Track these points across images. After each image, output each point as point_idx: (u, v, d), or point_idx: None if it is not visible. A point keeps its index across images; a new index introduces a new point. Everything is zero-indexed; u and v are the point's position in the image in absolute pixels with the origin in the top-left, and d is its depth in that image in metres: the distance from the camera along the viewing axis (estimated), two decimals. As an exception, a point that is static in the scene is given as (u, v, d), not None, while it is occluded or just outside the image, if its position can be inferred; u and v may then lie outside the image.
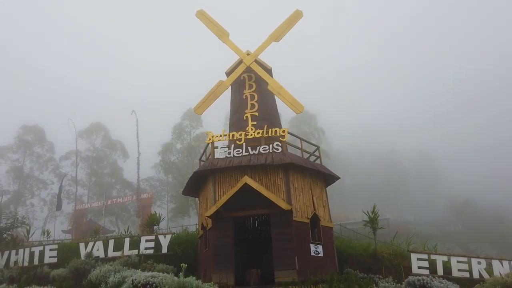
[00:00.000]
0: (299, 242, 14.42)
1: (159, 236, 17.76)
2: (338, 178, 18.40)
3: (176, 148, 52.55)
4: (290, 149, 17.34)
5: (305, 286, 12.52)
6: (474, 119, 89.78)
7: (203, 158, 19.59)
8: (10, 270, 16.16)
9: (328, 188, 18.44)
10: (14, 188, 52.75)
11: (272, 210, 14.74)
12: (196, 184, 18.21)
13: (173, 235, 18.33)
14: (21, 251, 17.59)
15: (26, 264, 17.04)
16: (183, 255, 17.58)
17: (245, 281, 14.43)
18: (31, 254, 17.41)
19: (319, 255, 14.98)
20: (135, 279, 8.43)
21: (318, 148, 19.48)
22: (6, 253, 17.65)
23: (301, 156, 17.71)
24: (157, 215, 22.01)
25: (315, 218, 15.81)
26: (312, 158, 18.82)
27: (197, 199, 29.21)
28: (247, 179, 14.92)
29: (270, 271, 14.18)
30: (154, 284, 8.05)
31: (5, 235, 18.73)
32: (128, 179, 55.86)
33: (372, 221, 18.07)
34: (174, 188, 50.60)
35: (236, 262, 14.47)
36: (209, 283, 8.73)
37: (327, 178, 18.12)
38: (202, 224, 17.06)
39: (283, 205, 14.51)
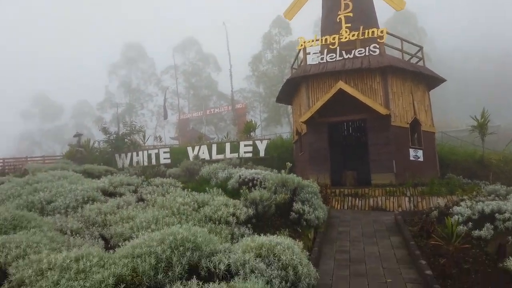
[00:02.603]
0: (397, 147, 14.12)
1: (256, 141, 18.83)
2: (443, 80, 16.88)
3: (266, 58, 52.38)
4: (389, 51, 16.12)
5: (403, 188, 12.54)
6: None
7: (295, 65, 19.34)
8: (134, 168, 18.92)
9: (430, 94, 17.10)
10: (126, 101, 59.36)
11: (368, 115, 14.40)
12: (289, 92, 18.34)
13: (269, 140, 19.26)
14: (140, 153, 20.34)
15: (145, 164, 19.75)
16: (279, 159, 18.50)
17: (340, 182, 14.94)
18: (149, 156, 20.05)
19: (419, 159, 14.59)
20: (242, 174, 9.31)
21: (421, 48, 17.73)
22: (129, 155, 20.58)
23: (401, 58, 16.41)
24: (253, 122, 23.09)
25: (415, 123, 15.11)
26: (413, 61, 17.34)
27: (289, 108, 29.42)
28: (341, 85, 14.52)
29: (366, 175, 14.39)
30: (259, 179, 8.81)
31: (126, 140, 21.65)
32: (222, 91, 58.46)
33: (481, 126, 16.64)
34: (265, 99, 51.74)
35: (331, 165, 14.91)
36: (308, 180, 9.25)
37: (430, 81, 16.75)
38: (297, 129, 17.51)
39: (381, 110, 14.03)
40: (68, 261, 4.05)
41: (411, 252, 7.09)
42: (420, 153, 14.65)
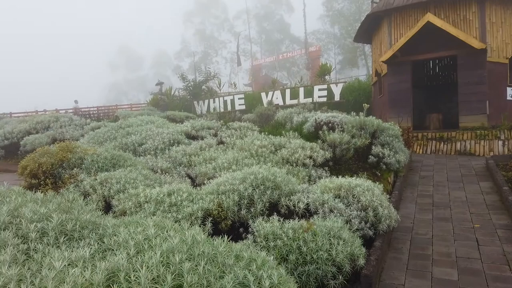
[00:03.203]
0: (493, 85, 12.67)
1: (331, 85, 18.19)
2: (556, 5, 14.32)
3: (342, -6, 48.94)
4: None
5: (496, 131, 11.40)
6: None
7: (376, -1, 17.78)
8: (211, 114, 19.67)
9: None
10: (201, 49, 60.72)
11: (459, 51, 12.95)
12: (368, 29, 17.10)
13: (344, 83, 18.50)
14: (217, 100, 20.95)
15: (221, 110, 20.38)
16: (356, 102, 17.85)
17: (424, 125, 14.04)
18: (225, 102, 20.59)
19: (518, 99, 13.02)
20: (318, 118, 9.16)
21: (530, -32, 15.03)
22: (206, 101, 21.34)
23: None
24: (328, 65, 22.21)
25: (516, 58, 13.30)
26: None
27: (367, 49, 27.59)
28: (429, 17, 13.10)
29: (453, 117, 13.29)
30: (335, 122, 8.61)
31: (203, 87, 22.37)
32: (295, 34, 56.69)
33: None
34: (340, 40, 49.12)
35: (414, 107, 13.99)
36: (388, 123, 8.81)
37: (539, 7, 14.34)
38: (376, 70, 16.52)
39: (475, 43, 12.50)
40: (162, 195, 4.46)
41: (503, 198, 6.58)
42: (520, 92, 13.02)
